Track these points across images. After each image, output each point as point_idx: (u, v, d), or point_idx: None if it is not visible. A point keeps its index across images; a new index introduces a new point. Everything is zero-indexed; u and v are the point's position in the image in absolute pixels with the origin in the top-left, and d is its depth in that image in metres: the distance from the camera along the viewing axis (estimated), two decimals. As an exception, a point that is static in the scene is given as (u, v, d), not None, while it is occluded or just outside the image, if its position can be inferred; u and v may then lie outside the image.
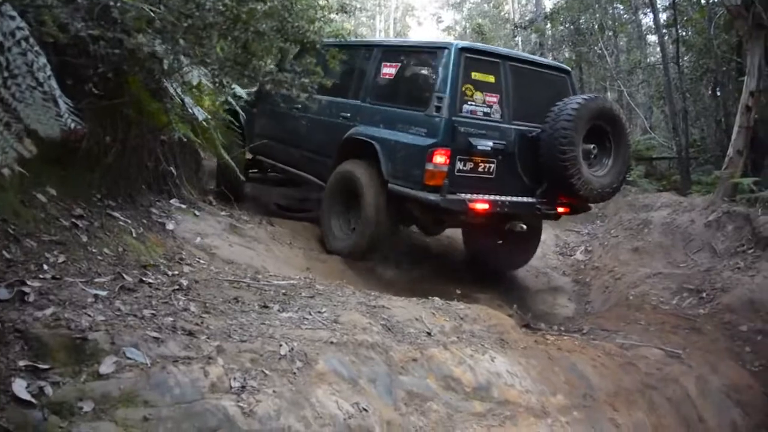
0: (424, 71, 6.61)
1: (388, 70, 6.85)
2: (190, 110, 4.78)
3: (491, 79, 6.35)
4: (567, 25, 17.59)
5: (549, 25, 18.46)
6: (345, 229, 6.76)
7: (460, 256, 8.16)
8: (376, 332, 3.73)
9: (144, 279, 3.65)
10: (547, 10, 18.18)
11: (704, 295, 6.78)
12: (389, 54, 6.98)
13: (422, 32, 40.15)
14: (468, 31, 28.43)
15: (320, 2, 5.21)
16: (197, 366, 2.80)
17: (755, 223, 7.61)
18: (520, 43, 21.38)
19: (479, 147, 6.09)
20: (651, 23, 16.30)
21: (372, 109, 6.79)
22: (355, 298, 4.33)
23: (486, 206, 6.20)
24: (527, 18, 21.02)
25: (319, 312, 3.80)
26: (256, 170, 8.56)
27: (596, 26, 16.28)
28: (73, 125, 2.56)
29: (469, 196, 6.15)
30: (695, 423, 4.84)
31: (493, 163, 6.29)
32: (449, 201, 6.00)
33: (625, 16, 17.98)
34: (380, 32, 36.39)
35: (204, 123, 5.07)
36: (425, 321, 4.16)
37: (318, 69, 5.44)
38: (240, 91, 7.21)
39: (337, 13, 5.44)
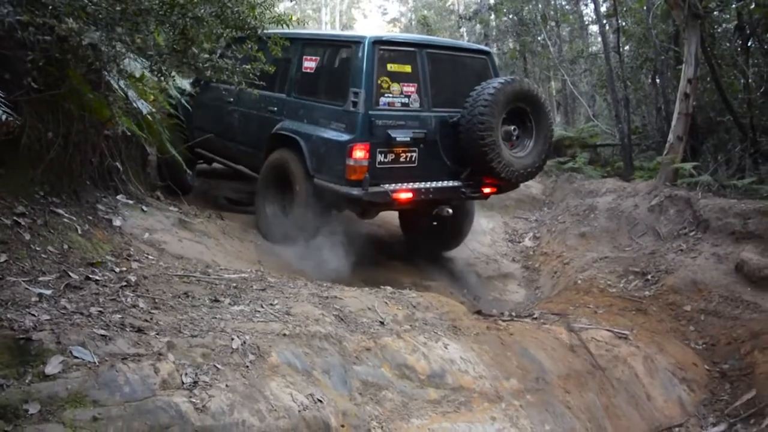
0: (342, 65, 6.56)
1: (309, 64, 6.84)
2: (133, 103, 4.67)
3: (408, 69, 6.38)
4: (511, 16, 17.73)
5: (493, 16, 18.59)
6: (279, 216, 6.79)
7: (401, 240, 8.22)
8: (329, 323, 3.72)
9: (90, 276, 3.56)
10: (491, 1, 18.30)
11: (649, 277, 6.97)
12: (309, 47, 6.94)
13: (368, 24, 40.10)
14: (413, 22, 28.47)
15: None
16: (147, 363, 2.75)
17: (696, 206, 7.84)
18: (465, 34, 21.49)
19: (398, 138, 6.17)
20: (592, 13, 16.59)
21: (296, 104, 6.79)
22: (307, 289, 4.31)
23: (410, 195, 6.31)
24: (472, 9, 21.09)
25: (271, 304, 3.77)
26: (202, 161, 8.44)
27: (539, 17, 16.45)
28: (4, 117, 2.48)
29: (392, 186, 6.23)
30: (644, 401, 4.98)
31: (414, 152, 6.37)
32: (372, 194, 6.08)
33: (567, 6, 18.24)
34: (326, 24, 36.16)
35: (148, 117, 4.95)
36: (378, 310, 4.17)
37: (260, 55, 5.37)
38: (184, 84, 7.06)
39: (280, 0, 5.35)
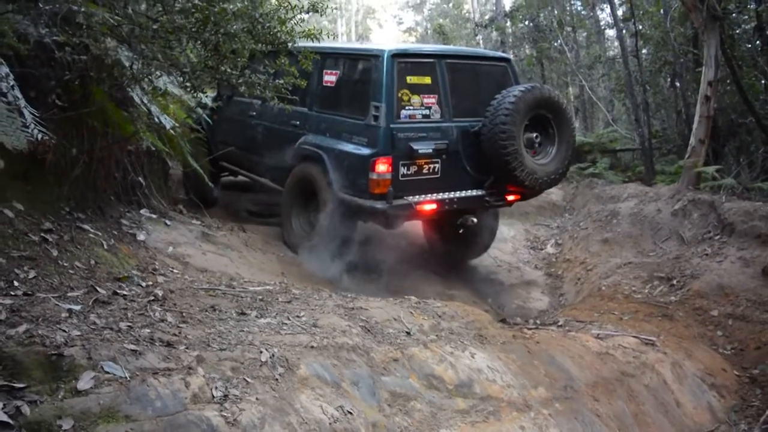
0: (361, 79, 6.55)
1: (330, 78, 6.84)
2: (156, 119, 4.70)
3: (427, 80, 6.38)
4: (527, 23, 17.74)
5: (509, 23, 18.60)
6: (305, 227, 6.80)
7: (424, 252, 8.17)
8: (355, 334, 3.71)
9: (118, 291, 3.58)
10: (507, 8, 18.31)
11: (675, 282, 6.89)
12: (329, 60, 6.93)
13: (384, 34, 40.24)
14: (429, 31, 28.53)
15: (291, 2, 5.10)
16: (178, 377, 2.75)
17: (720, 209, 7.75)
18: (481, 41, 21.49)
19: (421, 151, 6.16)
20: (608, 18, 16.55)
21: (318, 118, 6.80)
22: (332, 300, 4.31)
23: (434, 206, 6.31)
24: (487, 17, 21.14)
25: (298, 317, 3.77)
26: (227, 174, 8.51)
27: (555, 23, 16.42)
28: (40, 136, 2.50)
29: (416, 198, 6.23)
30: (673, 408, 4.92)
31: (437, 162, 6.36)
32: (396, 207, 6.09)
33: (583, 12, 18.21)
34: (342, 35, 36.34)
35: (171, 131, 4.99)
36: (404, 320, 4.16)
37: (293, 70, 5.41)
38: (205, 99, 7.13)
39: (308, 13, 5.31)
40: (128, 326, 3.09)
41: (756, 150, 10.68)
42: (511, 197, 6.96)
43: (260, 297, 4.12)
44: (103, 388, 2.57)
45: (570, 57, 16.19)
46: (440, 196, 6.39)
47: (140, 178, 5.51)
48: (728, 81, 10.86)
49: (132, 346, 2.85)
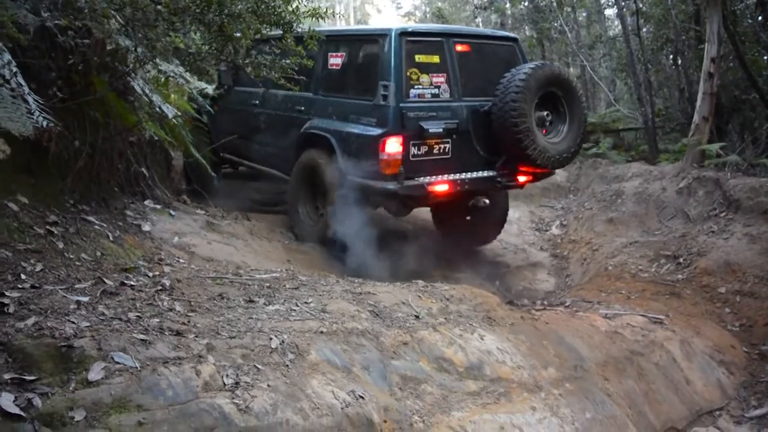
0: (368, 60, 6.49)
1: (335, 60, 6.77)
2: (158, 108, 4.68)
3: (436, 59, 6.30)
4: (526, 4, 17.62)
5: (509, 4, 18.46)
6: (313, 216, 6.75)
7: (431, 237, 8.13)
8: (364, 319, 3.70)
9: (125, 282, 3.57)
10: (506, -11, 18.19)
11: (681, 260, 6.87)
12: (333, 43, 6.86)
13: (382, 19, 39.97)
14: (428, 15, 28.35)
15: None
16: (188, 366, 2.75)
17: (725, 186, 7.72)
18: (480, 23, 21.35)
19: (431, 130, 6.08)
20: (608, -3, 16.46)
21: (324, 102, 6.73)
22: (339, 286, 4.30)
23: (445, 187, 6.23)
24: (486, -1, 21.00)
25: (306, 302, 3.76)
26: (227, 166, 8.49)
27: (555, 3, 16.30)
28: (45, 123, 2.47)
29: (427, 179, 6.15)
30: (683, 385, 4.91)
31: (447, 143, 6.28)
32: (407, 187, 6.00)
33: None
34: (340, 20, 36.08)
35: (173, 120, 4.96)
36: (412, 304, 4.15)
37: (299, 49, 5.35)
38: (207, 88, 7.09)
39: (310, -6, 5.26)
40: (137, 316, 3.08)
41: (760, 126, 10.59)
42: (522, 178, 6.89)
43: (267, 284, 4.11)
44: (114, 378, 2.57)
45: (570, 37, 16.09)
46: (452, 177, 6.31)
47: (143, 169, 5.50)
48: (731, 57, 10.79)
49: (141, 336, 2.85)
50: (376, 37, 6.31)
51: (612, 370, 4.54)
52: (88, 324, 2.86)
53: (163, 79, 4.95)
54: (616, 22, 15.81)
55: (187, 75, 5.73)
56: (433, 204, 7.30)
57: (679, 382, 4.95)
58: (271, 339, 3.13)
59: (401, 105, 5.99)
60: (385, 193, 6.08)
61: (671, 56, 13.38)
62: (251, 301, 3.70)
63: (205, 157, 6.70)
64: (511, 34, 7.58)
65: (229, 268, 4.61)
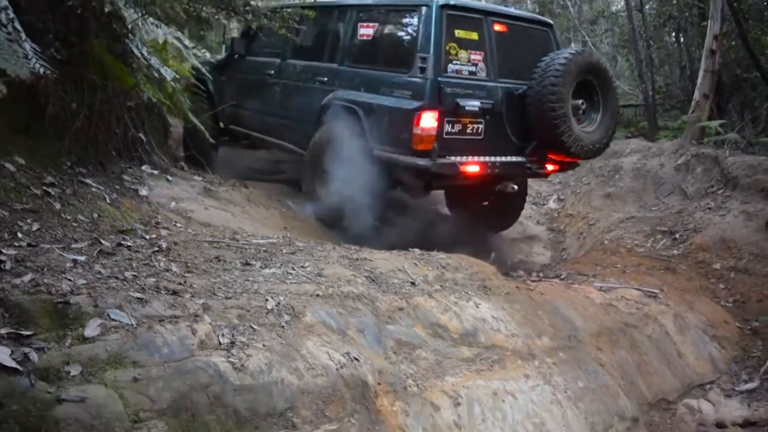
0: (405, 31, 6.28)
1: (366, 31, 6.48)
2: (156, 71, 4.65)
3: (474, 36, 6.07)
4: (529, -24, 17.54)
5: (511, -23, 18.35)
6: (332, 194, 6.35)
7: (435, 214, 8.07)
8: (360, 284, 3.71)
9: (122, 243, 3.57)
10: (509, -38, 18.01)
11: (677, 236, 6.91)
12: (365, 13, 6.59)
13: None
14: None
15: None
16: (184, 324, 2.76)
17: (723, 164, 7.74)
18: (482, -2, 21.19)
19: (467, 107, 5.83)
20: (612, -28, 16.36)
21: (351, 73, 6.46)
22: (336, 252, 4.30)
23: (477, 168, 5.99)
24: (489, -29, 20.80)
25: (302, 267, 3.77)
26: (227, 137, 8.33)
27: (558, -24, 16.24)
28: (41, 69, 2.45)
29: (459, 159, 5.91)
30: (675, 358, 4.97)
31: (481, 123, 6.04)
32: (440, 165, 5.77)
33: (586, -35, 17.95)
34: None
35: (172, 84, 4.93)
36: (408, 271, 4.15)
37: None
38: (207, 55, 7.02)
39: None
40: (133, 276, 3.08)
41: (760, 105, 10.61)
42: (550, 167, 6.68)
43: (264, 249, 4.11)
44: (110, 335, 2.57)
45: (573, 12, 16.00)
46: (483, 159, 6.07)
47: (141, 135, 5.46)
48: (734, 35, 10.74)
49: (138, 295, 2.85)
50: (415, 7, 6.06)
51: (605, 341, 4.59)
52: (84, 282, 2.86)
53: (161, 42, 4.90)
54: (619, -2, 15.71)
55: (187, 41, 5.69)
56: (456, 186, 7.05)
57: (672, 354, 5.01)
58: (267, 300, 3.14)
59: (439, 79, 5.76)
60: (415, 169, 5.86)
61: (674, 33, 13.34)
62: (248, 264, 3.70)
63: (205, 125, 6.64)
64: (547, 20, 7.34)
65: (225, 233, 4.61)
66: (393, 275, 4.03)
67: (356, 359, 3.04)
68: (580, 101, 6.40)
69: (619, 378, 4.39)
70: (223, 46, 8.85)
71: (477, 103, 5.90)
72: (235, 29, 9.43)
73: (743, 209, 6.95)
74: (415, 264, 4.32)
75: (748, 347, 5.56)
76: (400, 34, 6.37)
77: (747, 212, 6.89)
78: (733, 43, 11.02)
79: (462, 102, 5.81)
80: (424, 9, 5.90)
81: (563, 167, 6.95)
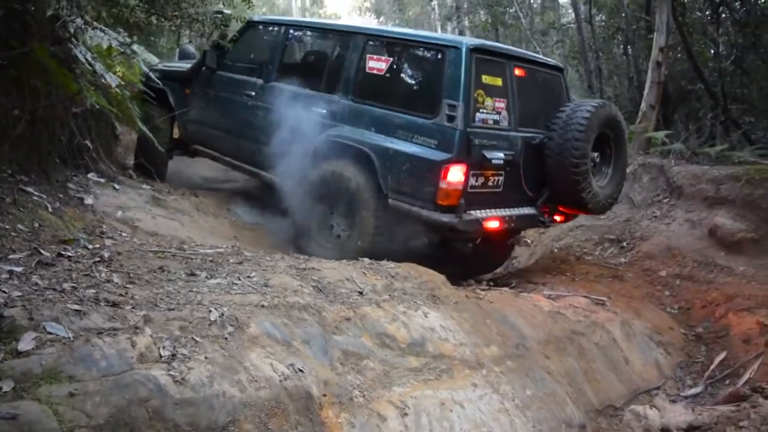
0: (427, 71, 5.80)
1: (376, 64, 5.88)
2: (101, 77, 4.55)
3: (499, 82, 5.67)
4: (482, -13, 17.74)
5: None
6: (328, 237, 5.89)
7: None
8: (307, 294, 3.69)
9: (63, 253, 3.49)
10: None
11: (625, 244, 7.05)
12: (377, 44, 5.99)
13: (335, 5, 39.45)
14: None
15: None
16: (124, 337, 2.69)
17: (669, 173, 7.92)
18: (436, 7, 21.39)
19: (494, 160, 5.42)
20: (563, -16, 16.67)
21: (357, 109, 5.83)
22: (284, 262, 4.27)
23: (497, 224, 5.66)
24: (443, -19, 21.01)
25: (249, 277, 3.73)
26: (179, 152, 7.58)
27: (510, -12, 16.46)
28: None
29: (481, 213, 5.53)
30: (622, 365, 5.04)
31: (501, 175, 5.66)
32: (466, 222, 5.35)
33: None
34: (296, 8, 35.52)
35: (117, 90, 4.83)
36: (356, 281, 4.14)
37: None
38: (153, 59, 6.81)
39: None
40: (72, 287, 3.01)
41: (704, 116, 10.91)
42: (558, 218, 6.38)
43: (211, 259, 4.06)
44: (46, 348, 2.50)
45: (524, 23, 16.23)
46: (501, 212, 5.72)
47: (87, 142, 5.35)
48: (679, 48, 11.04)
49: (76, 307, 2.78)
50: (442, 47, 5.55)
51: (553, 348, 4.63)
52: (20, 294, 2.78)
53: (105, 47, 4.79)
54: (570, 10, 15.98)
55: (136, 47, 5.58)
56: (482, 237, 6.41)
57: (619, 361, 5.08)
58: (210, 312, 3.09)
59: (468, 129, 5.28)
60: (439, 226, 5.39)
61: (622, 45, 13.63)
62: (192, 274, 3.65)
63: (160, 133, 6.41)
64: (559, 64, 7.06)
65: (172, 243, 4.54)
66: (341, 285, 4.01)
67: (301, 370, 3.01)
68: (595, 154, 6.08)
69: (567, 385, 4.43)
70: (177, 51, 8.55)
71: (502, 155, 5.50)
72: (185, 36, 9.27)
73: (687, 218, 7.13)
74: (364, 273, 4.31)
75: (692, 353, 5.68)
76: (422, 74, 5.91)
77: (691, 220, 7.06)
78: (679, 55, 11.34)
79: (488, 155, 5.40)
80: (451, 51, 5.42)
81: (568, 218, 6.68)
